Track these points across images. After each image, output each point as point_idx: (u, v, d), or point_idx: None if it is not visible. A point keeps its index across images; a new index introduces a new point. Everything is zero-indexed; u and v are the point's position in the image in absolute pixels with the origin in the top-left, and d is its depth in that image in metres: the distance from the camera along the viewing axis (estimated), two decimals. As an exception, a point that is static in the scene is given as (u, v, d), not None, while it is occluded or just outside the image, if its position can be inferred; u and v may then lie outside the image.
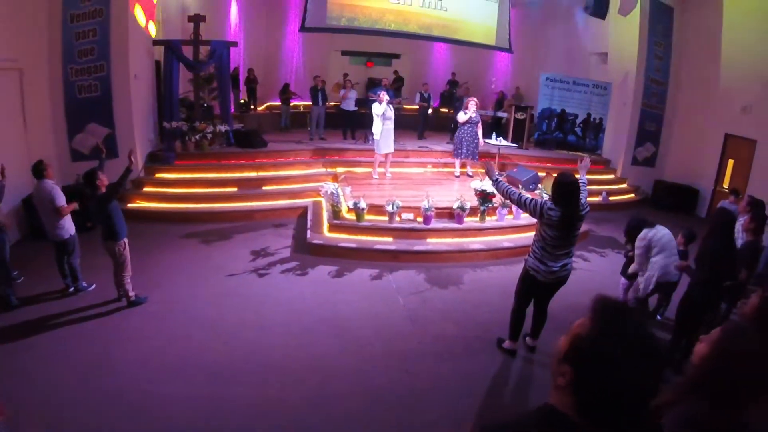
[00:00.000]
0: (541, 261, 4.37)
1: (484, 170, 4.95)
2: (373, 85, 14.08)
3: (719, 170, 10.52)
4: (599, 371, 1.06)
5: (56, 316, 5.11)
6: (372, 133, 9.25)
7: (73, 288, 5.64)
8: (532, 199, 4.37)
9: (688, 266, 4.64)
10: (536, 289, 4.57)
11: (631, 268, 5.15)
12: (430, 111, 13.50)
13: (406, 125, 12.99)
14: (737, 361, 1.69)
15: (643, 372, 1.06)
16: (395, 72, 14.96)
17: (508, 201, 5.59)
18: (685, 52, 11.46)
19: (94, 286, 5.74)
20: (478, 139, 9.35)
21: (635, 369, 1.04)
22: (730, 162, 10.30)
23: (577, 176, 4.42)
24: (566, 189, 4.18)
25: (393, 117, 9.16)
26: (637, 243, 4.84)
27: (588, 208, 4.38)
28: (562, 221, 4.17)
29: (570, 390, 1.11)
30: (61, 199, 5.40)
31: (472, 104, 9.16)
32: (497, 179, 4.65)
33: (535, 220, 4.46)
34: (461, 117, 9.22)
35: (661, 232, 4.86)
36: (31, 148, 7.12)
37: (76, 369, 4.28)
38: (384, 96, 8.98)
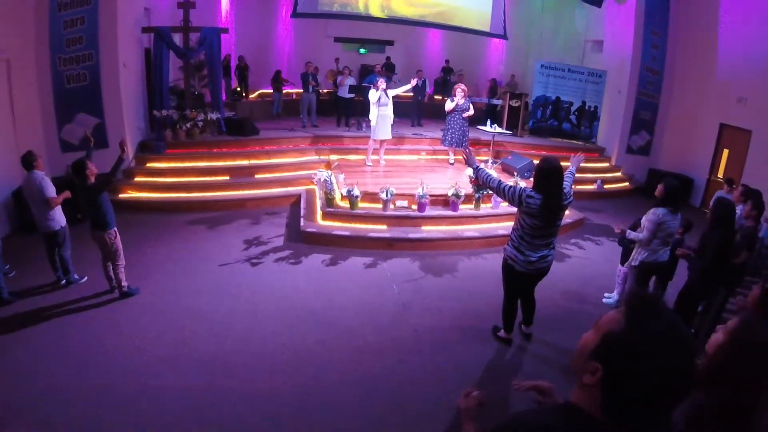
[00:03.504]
0: (519, 250, 4.25)
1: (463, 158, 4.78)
2: (366, 71, 13.98)
3: (714, 160, 10.52)
4: (632, 369, 1.05)
5: (48, 309, 5.07)
6: (367, 120, 9.19)
7: (64, 280, 5.58)
8: (510, 186, 4.20)
9: (688, 254, 4.62)
10: (516, 279, 4.44)
11: (637, 237, 4.96)
12: (425, 98, 13.41)
13: (399, 113, 12.92)
14: (755, 351, 1.69)
15: (676, 371, 1.05)
16: (387, 58, 14.85)
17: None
18: (681, 42, 11.37)
19: (85, 278, 5.69)
20: (465, 127, 9.28)
21: (668, 367, 1.04)
22: (725, 152, 10.29)
23: (565, 164, 4.30)
24: (548, 175, 4.05)
25: (390, 103, 9.09)
26: (651, 217, 4.73)
27: (572, 198, 4.28)
28: (543, 209, 4.03)
29: (598, 388, 1.09)
30: (50, 190, 5.33)
31: (459, 92, 9.09)
32: (478, 167, 4.51)
33: None
34: (448, 105, 9.17)
35: (673, 223, 4.76)
36: (19, 139, 7.00)
37: (68, 361, 4.25)
38: (381, 83, 8.92)
